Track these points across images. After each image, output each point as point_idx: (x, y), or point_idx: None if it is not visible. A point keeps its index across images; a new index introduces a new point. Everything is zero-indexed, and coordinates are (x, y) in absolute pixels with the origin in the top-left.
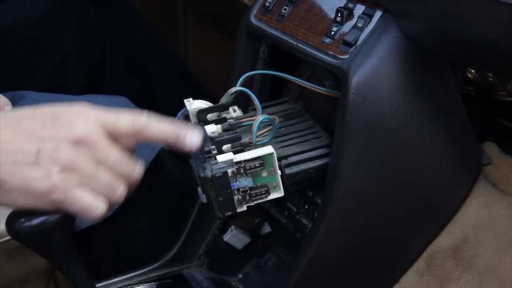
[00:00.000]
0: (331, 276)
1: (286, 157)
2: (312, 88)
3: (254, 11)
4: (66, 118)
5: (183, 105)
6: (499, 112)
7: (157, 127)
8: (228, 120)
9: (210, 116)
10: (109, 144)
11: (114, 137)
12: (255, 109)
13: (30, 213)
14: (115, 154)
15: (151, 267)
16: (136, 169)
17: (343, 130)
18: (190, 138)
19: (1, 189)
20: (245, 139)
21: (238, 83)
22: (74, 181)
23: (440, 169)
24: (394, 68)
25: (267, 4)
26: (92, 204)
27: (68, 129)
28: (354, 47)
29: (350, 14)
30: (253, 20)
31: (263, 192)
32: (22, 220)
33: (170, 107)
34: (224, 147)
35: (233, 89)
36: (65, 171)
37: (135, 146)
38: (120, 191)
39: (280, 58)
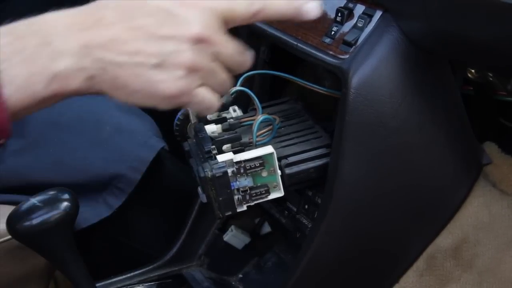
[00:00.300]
0: (331, 276)
1: (286, 157)
2: (312, 88)
3: None
4: (181, 14)
5: None
6: (499, 112)
7: (274, 4)
8: (228, 120)
9: (210, 116)
10: (226, 37)
11: (230, 24)
12: (255, 109)
13: (31, 213)
14: (231, 47)
15: (151, 267)
16: (249, 58)
17: (343, 130)
18: (309, 8)
19: (121, 91)
20: (245, 139)
21: (238, 83)
22: (197, 82)
23: (440, 169)
24: (394, 68)
25: None
26: (212, 101)
27: (186, 27)
28: (354, 47)
29: (350, 14)
30: None
31: (263, 192)
32: (23, 219)
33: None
34: (224, 147)
35: (233, 89)
36: (189, 73)
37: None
38: (230, 83)
39: (280, 58)
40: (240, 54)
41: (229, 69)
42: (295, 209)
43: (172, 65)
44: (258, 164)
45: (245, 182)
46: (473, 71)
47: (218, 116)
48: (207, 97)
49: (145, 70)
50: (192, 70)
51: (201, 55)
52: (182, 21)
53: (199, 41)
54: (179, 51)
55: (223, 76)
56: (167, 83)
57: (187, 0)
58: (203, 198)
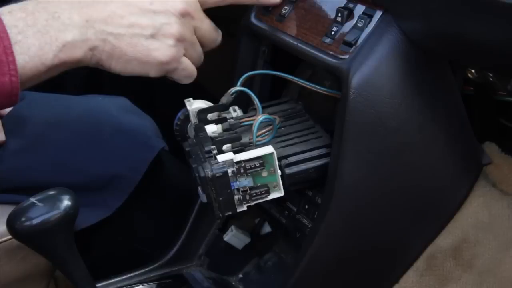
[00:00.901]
0: (331, 276)
1: (286, 157)
2: (312, 88)
3: (255, 11)
4: None
5: (184, 105)
6: (499, 112)
7: None
8: (228, 120)
9: (210, 116)
10: (203, 15)
11: (204, 5)
12: (255, 109)
13: (31, 212)
14: (208, 23)
15: (151, 267)
16: (220, 35)
17: (343, 130)
18: None
19: (119, 60)
20: (245, 139)
21: (239, 83)
22: (183, 51)
23: (440, 169)
24: (394, 68)
25: None
26: (193, 69)
27: (173, 3)
28: (354, 47)
29: (350, 14)
30: (253, 20)
31: (263, 192)
32: (23, 219)
33: (171, 107)
34: (224, 147)
35: (233, 89)
36: (177, 42)
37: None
38: (203, 57)
39: (280, 58)
40: (214, 31)
41: (203, 44)
42: (295, 209)
43: (164, 35)
44: (258, 164)
45: (245, 182)
46: (473, 71)
47: (218, 116)
48: (190, 65)
49: (141, 40)
50: (179, 39)
51: (185, 27)
52: None
53: (184, 14)
54: (169, 23)
55: (200, 49)
56: (160, 51)
57: None
58: (203, 198)
